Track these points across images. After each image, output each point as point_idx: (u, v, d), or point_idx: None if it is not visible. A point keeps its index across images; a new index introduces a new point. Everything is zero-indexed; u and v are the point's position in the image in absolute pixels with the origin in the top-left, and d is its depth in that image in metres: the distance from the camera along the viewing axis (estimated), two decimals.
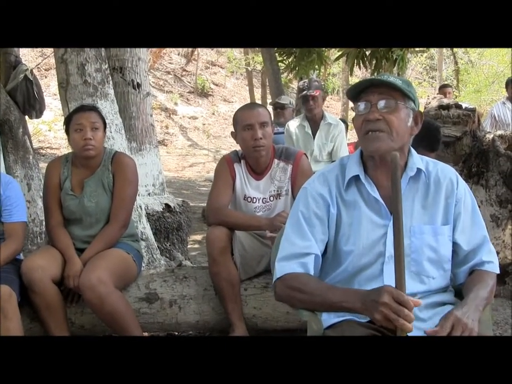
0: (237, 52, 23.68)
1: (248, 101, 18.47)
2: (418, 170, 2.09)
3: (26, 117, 5.12)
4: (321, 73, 15.41)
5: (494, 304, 3.37)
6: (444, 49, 23.11)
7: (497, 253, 4.35)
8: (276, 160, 3.40)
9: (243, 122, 3.29)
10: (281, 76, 10.02)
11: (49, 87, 16.94)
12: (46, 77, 17.74)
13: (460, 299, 2.03)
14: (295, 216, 2.13)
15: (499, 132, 4.92)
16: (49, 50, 14.20)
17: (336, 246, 2.12)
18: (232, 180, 3.39)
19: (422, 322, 1.96)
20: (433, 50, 24.53)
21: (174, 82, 22.12)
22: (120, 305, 3.04)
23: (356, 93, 2.08)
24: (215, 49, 24.21)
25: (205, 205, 3.68)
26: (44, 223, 4.13)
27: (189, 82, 22.53)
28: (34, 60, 17.31)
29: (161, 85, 21.43)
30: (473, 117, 4.66)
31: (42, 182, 3.86)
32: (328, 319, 2.05)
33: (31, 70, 5.05)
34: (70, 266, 3.13)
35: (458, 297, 2.10)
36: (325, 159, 5.61)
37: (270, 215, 3.33)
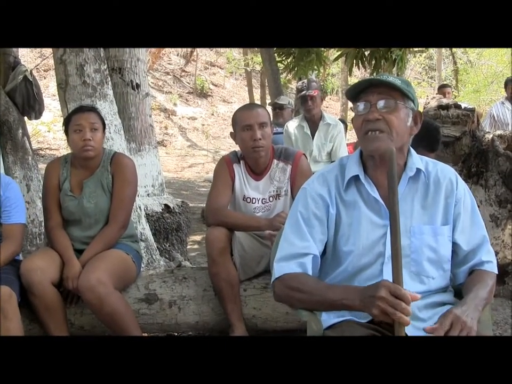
0: (236, 53, 23.68)
1: (247, 101, 18.47)
2: (418, 170, 2.09)
3: (26, 118, 5.11)
4: (320, 74, 15.41)
5: (493, 304, 3.38)
6: (443, 49, 23.14)
7: (497, 253, 4.36)
8: (275, 161, 3.40)
9: (242, 123, 3.29)
10: (280, 76, 10.02)
11: (48, 87, 16.93)
12: (45, 78, 17.72)
13: (460, 299, 2.03)
14: (294, 217, 2.13)
15: (498, 132, 4.93)
16: (48, 51, 14.20)
17: (336, 246, 2.11)
18: (231, 180, 3.39)
19: (422, 322, 1.96)
20: (432, 51, 24.54)
21: (173, 83, 22.11)
22: (119, 306, 3.03)
23: (355, 93, 2.08)
24: (214, 49, 24.22)
25: (204, 205, 3.68)
26: (43, 224, 4.13)
27: (188, 83, 22.52)
28: (33, 60, 17.31)
29: (160, 86, 21.42)
30: (472, 117, 4.66)
31: (42, 183, 3.86)
32: (328, 319, 2.05)
33: (30, 71, 5.04)
34: (69, 267, 3.12)
35: (458, 297, 2.10)
36: (324, 159, 5.61)
37: (270, 216, 3.33)
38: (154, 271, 3.70)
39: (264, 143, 3.27)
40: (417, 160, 2.11)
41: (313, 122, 5.67)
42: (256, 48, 17.52)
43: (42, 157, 13.58)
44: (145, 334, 3.36)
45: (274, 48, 9.28)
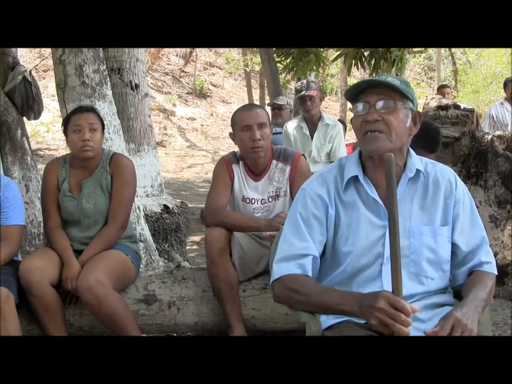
0: (235, 53, 23.68)
1: (247, 101, 18.47)
2: (417, 171, 2.08)
3: (25, 118, 5.12)
4: (319, 74, 15.41)
5: (493, 305, 3.38)
6: (442, 50, 23.17)
7: (496, 253, 4.36)
8: (274, 161, 3.40)
9: (241, 123, 3.29)
10: (280, 76, 10.02)
11: (48, 88, 16.93)
12: (44, 78, 17.72)
13: (459, 300, 2.03)
14: (293, 217, 2.13)
15: (498, 133, 4.92)
16: (47, 52, 14.21)
17: (335, 247, 2.11)
18: (230, 181, 3.38)
19: (421, 323, 1.96)
20: (431, 51, 24.57)
21: (172, 83, 22.12)
22: (118, 306, 3.03)
23: (354, 94, 2.07)
24: (213, 50, 24.23)
25: (204, 206, 3.67)
26: (42, 224, 4.12)
27: (187, 83, 22.53)
28: (33, 61, 17.32)
29: (160, 86, 21.42)
30: (471, 117, 4.66)
31: (41, 183, 3.85)
32: (327, 320, 2.04)
33: (29, 71, 5.04)
34: (68, 268, 3.12)
35: (458, 298, 2.09)
36: (323, 159, 5.60)
37: (269, 216, 3.33)
38: (153, 271, 3.69)
39: (263, 143, 3.26)
40: (417, 161, 2.10)
41: (312, 122, 5.66)
42: (255, 49, 17.53)
43: (41, 157, 13.58)
44: (144, 335, 3.35)
45: (274, 49, 9.28)
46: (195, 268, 4.10)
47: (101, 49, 4.39)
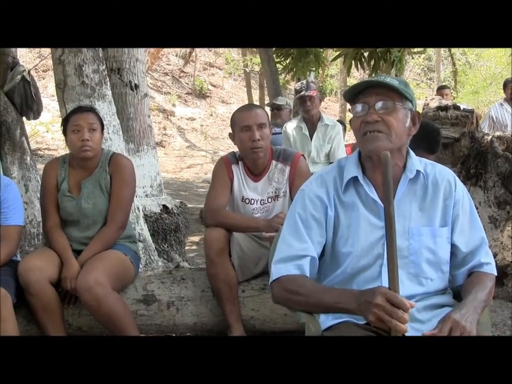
0: (234, 53, 23.68)
1: (246, 102, 18.43)
2: (417, 172, 2.08)
3: (24, 118, 5.12)
4: (319, 75, 15.41)
5: (492, 305, 3.38)
6: (442, 51, 23.17)
7: (496, 254, 4.35)
8: (273, 162, 3.39)
9: (241, 124, 3.29)
10: (279, 77, 10.02)
11: (47, 88, 16.92)
12: (43, 78, 17.71)
13: (459, 301, 2.03)
14: (292, 218, 2.13)
15: (497, 133, 4.91)
16: (47, 52, 14.18)
17: (335, 248, 2.11)
18: (230, 181, 3.38)
19: (421, 324, 1.96)
20: (431, 52, 24.58)
21: (172, 83, 22.11)
22: (117, 307, 3.03)
23: (353, 94, 2.07)
24: (213, 50, 24.22)
25: (203, 206, 3.67)
26: (41, 224, 4.12)
27: (186, 83, 22.53)
28: (32, 61, 17.31)
29: (159, 86, 21.42)
30: (471, 118, 4.66)
31: (40, 183, 3.85)
32: (326, 321, 2.04)
33: (29, 71, 5.04)
34: (67, 268, 3.11)
35: (457, 299, 2.09)
36: (323, 160, 5.60)
37: (268, 217, 3.32)
38: (152, 272, 3.69)
39: (262, 144, 3.26)
40: (416, 162, 2.10)
41: (312, 123, 5.66)
42: (255, 49, 17.53)
43: (40, 157, 13.56)
44: (143, 335, 3.35)
45: (273, 49, 9.28)
46: (194, 268, 4.10)
47: (100, 49, 4.39)
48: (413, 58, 23.07)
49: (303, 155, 3.49)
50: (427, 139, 3.69)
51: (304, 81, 5.93)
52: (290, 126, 5.76)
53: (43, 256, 3.18)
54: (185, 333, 3.45)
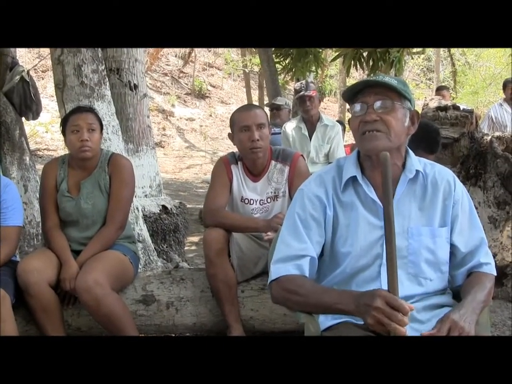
0: (234, 54, 23.68)
1: (246, 102, 18.45)
2: (416, 172, 2.08)
3: (23, 119, 5.11)
4: (318, 75, 15.42)
5: (492, 306, 3.37)
6: (441, 51, 23.19)
7: (495, 254, 4.35)
8: (273, 162, 3.39)
9: (240, 124, 3.29)
10: (279, 77, 10.02)
11: (46, 88, 16.92)
12: (43, 79, 17.72)
13: (458, 301, 2.02)
14: (291, 218, 2.12)
15: (497, 134, 4.91)
16: (46, 52, 14.20)
17: (334, 248, 2.11)
18: (229, 181, 3.38)
19: (420, 324, 1.96)
20: (430, 52, 24.59)
21: (171, 84, 22.11)
22: (116, 307, 3.02)
23: (352, 94, 2.07)
24: (212, 51, 24.22)
25: (202, 206, 3.67)
26: (40, 224, 4.12)
27: (186, 84, 22.53)
28: (32, 61, 17.30)
29: (159, 87, 21.42)
30: (471, 118, 4.65)
31: (39, 183, 3.85)
32: (325, 321, 2.04)
33: (28, 71, 5.04)
34: (66, 268, 3.11)
35: (457, 299, 2.09)
36: (322, 160, 5.60)
37: (268, 217, 3.32)
38: (151, 272, 3.69)
39: (262, 144, 3.26)
40: (416, 162, 2.10)
41: (311, 123, 5.66)
42: (254, 49, 17.54)
43: (40, 157, 13.56)
44: (143, 335, 3.35)
45: (272, 49, 9.28)
46: (193, 269, 4.10)
47: (99, 49, 4.39)
48: (412, 58, 23.05)
49: (302, 155, 3.49)
50: (427, 139, 3.69)
51: (304, 81, 5.93)
52: (290, 126, 5.75)
53: (42, 257, 3.17)
54: (184, 333, 3.45)
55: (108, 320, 3.02)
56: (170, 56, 23.53)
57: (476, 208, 2.17)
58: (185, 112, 20.85)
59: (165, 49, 22.42)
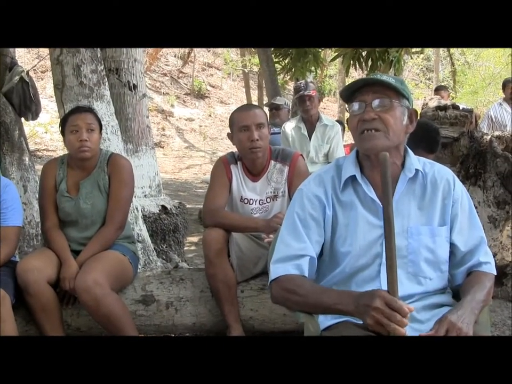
0: (233, 54, 23.69)
1: (245, 102, 18.45)
2: (416, 171, 2.08)
3: (23, 119, 5.11)
4: (317, 75, 15.42)
5: (491, 305, 3.37)
6: (441, 51, 23.19)
7: (495, 254, 4.35)
8: (272, 162, 3.39)
9: (239, 124, 3.28)
10: (278, 77, 10.02)
11: (46, 89, 16.93)
12: (42, 79, 17.72)
13: (458, 300, 2.02)
14: (291, 218, 2.12)
15: (496, 133, 4.91)
16: (45, 52, 14.20)
17: (333, 247, 2.10)
18: (228, 181, 3.38)
19: (420, 324, 1.96)
20: (429, 52, 24.59)
21: (171, 84, 22.12)
22: (116, 307, 3.02)
23: (350, 93, 2.07)
24: (211, 51, 24.23)
25: (202, 206, 3.67)
26: (40, 225, 4.12)
27: (185, 84, 22.53)
28: (31, 62, 17.30)
29: (158, 87, 21.42)
30: (470, 117, 4.65)
31: (38, 184, 3.85)
32: (325, 321, 2.04)
33: (27, 72, 5.04)
34: (65, 268, 3.11)
35: (457, 298, 2.09)
36: (321, 160, 5.60)
37: (267, 217, 3.32)
38: (151, 272, 3.69)
39: (261, 143, 3.26)
40: (415, 161, 2.10)
41: (311, 123, 5.65)
42: (253, 49, 17.55)
43: (39, 158, 13.56)
44: (142, 336, 3.35)
45: (272, 49, 9.28)
46: (193, 269, 4.10)
47: (98, 49, 4.39)
48: (411, 58, 23.07)
49: (301, 155, 3.48)
50: (426, 139, 3.69)
51: (303, 81, 5.94)
52: (289, 126, 5.75)
53: (42, 257, 3.17)
54: (184, 333, 3.45)
55: (108, 320, 3.02)
56: (170, 56, 23.53)
57: (476, 207, 2.17)
58: (184, 112, 20.86)
59: (164, 49, 22.42)
